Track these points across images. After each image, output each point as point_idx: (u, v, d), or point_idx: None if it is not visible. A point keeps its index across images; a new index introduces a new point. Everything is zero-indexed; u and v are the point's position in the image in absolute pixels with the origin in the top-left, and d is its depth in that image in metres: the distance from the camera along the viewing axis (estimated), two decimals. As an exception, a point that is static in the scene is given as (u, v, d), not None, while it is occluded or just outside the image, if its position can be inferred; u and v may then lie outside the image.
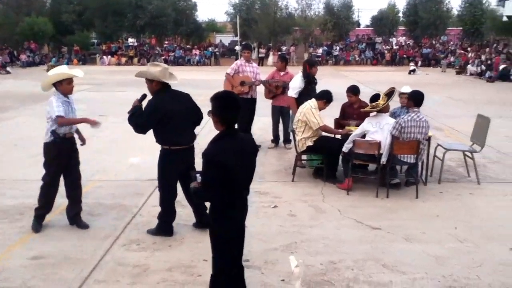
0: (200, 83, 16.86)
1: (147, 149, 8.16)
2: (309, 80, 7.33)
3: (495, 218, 5.18)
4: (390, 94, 6.15)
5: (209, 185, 2.92)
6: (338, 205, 5.52)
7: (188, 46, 38.21)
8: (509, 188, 6.22)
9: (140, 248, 4.39)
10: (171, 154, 4.51)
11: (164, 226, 4.66)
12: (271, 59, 32.12)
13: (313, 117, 6.19)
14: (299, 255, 4.28)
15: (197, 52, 35.20)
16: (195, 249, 4.35)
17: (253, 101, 8.20)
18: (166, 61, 34.03)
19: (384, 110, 6.11)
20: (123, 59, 34.68)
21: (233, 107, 2.94)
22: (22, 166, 7.10)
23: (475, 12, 35.34)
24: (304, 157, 6.85)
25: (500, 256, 4.30)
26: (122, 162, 7.37)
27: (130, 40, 39.85)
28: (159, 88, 4.53)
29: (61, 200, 5.60)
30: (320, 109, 6.33)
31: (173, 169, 4.56)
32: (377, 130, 5.93)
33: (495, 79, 22.19)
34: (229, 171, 2.84)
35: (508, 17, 25.48)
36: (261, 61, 31.73)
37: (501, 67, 23.05)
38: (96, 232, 4.74)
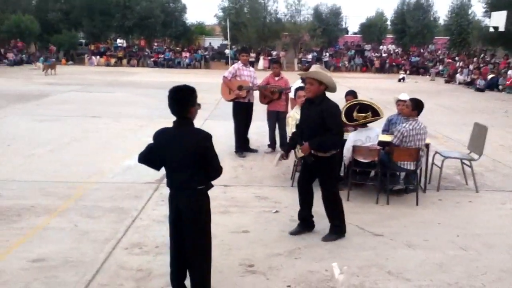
0: (194, 86, 16.56)
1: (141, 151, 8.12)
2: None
3: (495, 227, 5.23)
4: (373, 110, 6.07)
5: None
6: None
7: (178, 48, 38.04)
8: (507, 197, 6.28)
9: (142, 251, 4.32)
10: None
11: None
12: (261, 63, 32.18)
13: (288, 126, 6.19)
14: (303, 260, 4.26)
15: (187, 54, 35.07)
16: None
17: (250, 105, 8.17)
18: (155, 63, 33.89)
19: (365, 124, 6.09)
20: (112, 60, 34.40)
21: (169, 98, 3.25)
22: (15, 166, 6.96)
23: (461, 22, 35.88)
24: None
25: (503, 263, 4.32)
26: (118, 164, 7.26)
27: (119, 41, 39.57)
28: (323, 92, 4.54)
29: (58, 202, 5.52)
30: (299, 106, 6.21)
31: None
32: (368, 144, 5.88)
33: (484, 88, 22.52)
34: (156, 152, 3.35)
35: (494, 28, 25.90)
36: (251, 65, 31.71)
37: (490, 76, 23.41)
38: (96, 235, 4.65)
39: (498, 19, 25.46)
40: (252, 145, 8.44)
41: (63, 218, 5.02)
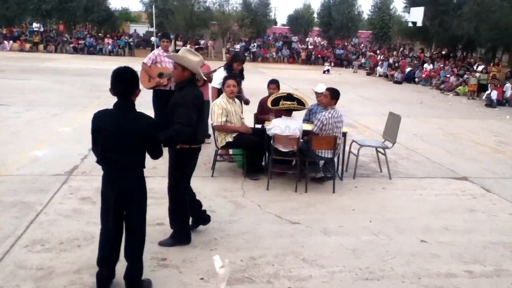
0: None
1: (52, 141, 7.59)
2: (230, 72, 7.17)
3: (406, 211, 5.45)
4: (299, 102, 6.11)
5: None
6: (258, 200, 5.47)
7: (100, 34, 36.30)
8: (418, 183, 6.59)
9: (44, 249, 3.98)
10: (193, 153, 4.25)
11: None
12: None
13: (213, 115, 6.07)
14: (218, 251, 4.14)
15: (110, 41, 33.58)
16: (107, 249, 4.03)
17: (171, 93, 7.85)
18: (75, 49, 32.14)
19: (289, 113, 6.11)
20: (27, 45, 32.08)
21: (115, 79, 3.20)
22: None
23: (383, 17, 37.52)
24: (230, 151, 6.74)
25: (411, 247, 4.50)
26: (25, 156, 6.71)
27: (35, 25, 36.97)
28: (188, 79, 4.06)
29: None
30: (228, 95, 6.13)
31: (192, 167, 4.37)
32: (287, 133, 5.86)
33: (402, 81, 23.70)
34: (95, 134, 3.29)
35: (413, 23, 27.35)
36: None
37: (407, 70, 24.67)
38: (-8, 232, 4.23)
39: (416, 15, 26.89)
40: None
41: (-44, 216, 4.53)
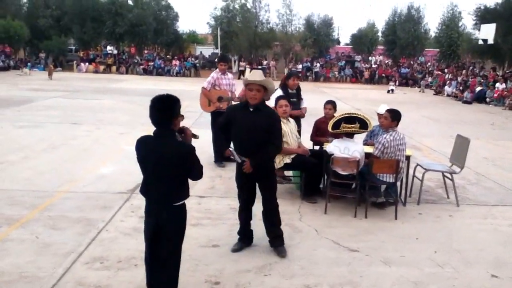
0: (181, 93, 16.39)
1: (117, 159, 7.90)
2: (286, 92, 7.13)
3: (475, 242, 5.06)
4: (361, 122, 5.93)
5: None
6: (315, 225, 5.32)
7: (168, 56, 37.88)
8: (488, 211, 6.14)
9: (103, 266, 4.10)
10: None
11: None
12: (247, 73, 32.15)
13: None
14: (272, 277, 4.06)
15: (177, 62, 34.92)
16: (163, 269, 4.07)
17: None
18: (145, 71, 33.71)
19: (350, 135, 5.92)
20: (101, 67, 34.16)
21: (151, 108, 3.11)
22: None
23: (451, 34, 36.11)
24: (289, 173, 6.67)
25: (480, 282, 4.16)
26: (92, 173, 7.04)
27: (109, 47, 39.32)
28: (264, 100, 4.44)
29: (23, 212, 5.29)
30: (280, 115, 6.07)
31: None
32: (346, 155, 5.71)
33: (472, 100, 22.57)
34: (139, 161, 3.23)
35: (483, 40, 26.10)
36: (242, 74, 31.73)
37: (478, 89, 23.48)
38: (58, 247, 4.42)
39: (487, 32, 25.69)
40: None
41: (25, 230, 4.79)
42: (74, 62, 35.58)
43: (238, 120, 4.34)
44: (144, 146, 3.18)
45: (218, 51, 33.34)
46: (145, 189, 3.25)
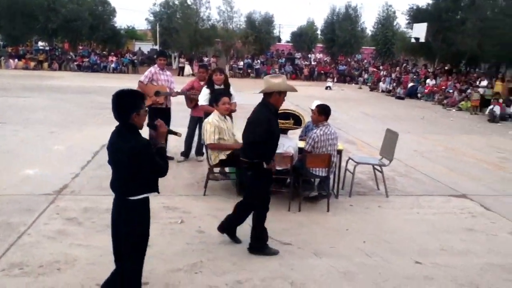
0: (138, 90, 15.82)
1: (45, 160, 7.50)
2: (213, 88, 7.13)
3: (402, 231, 5.27)
4: (297, 119, 6.04)
5: None
6: (249, 220, 5.30)
7: (104, 52, 36.57)
8: (415, 201, 6.42)
9: (22, 272, 3.85)
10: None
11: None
12: (187, 69, 31.87)
13: (206, 133, 5.98)
14: (204, 275, 4.01)
15: (114, 59, 33.81)
16: (88, 273, 3.90)
17: (167, 110, 7.84)
18: (79, 67, 32.38)
19: (284, 131, 5.98)
20: (32, 63, 32.34)
21: (112, 102, 3.06)
22: None
23: (386, 33, 37.52)
24: (227, 169, 6.61)
25: (405, 270, 4.33)
26: (16, 174, 6.62)
27: (41, 43, 37.35)
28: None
29: None
30: (222, 113, 6.10)
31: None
32: (280, 151, 5.73)
33: (404, 96, 23.58)
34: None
35: (416, 38, 27.34)
36: (181, 71, 31.31)
37: (410, 85, 24.57)
38: (-29, 255, 4.11)
39: (419, 31, 26.90)
40: (169, 152, 8.06)
41: None
42: (2, 58, 33.46)
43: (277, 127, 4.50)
44: (110, 139, 3.15)
45: (157, 47, 32.62)
46: (111, 181, 3.19)
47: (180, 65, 32.79)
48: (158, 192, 3.23)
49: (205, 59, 34.92)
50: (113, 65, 33.01)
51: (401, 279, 4.12)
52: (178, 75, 30.09)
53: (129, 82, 22.73)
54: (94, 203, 5.55)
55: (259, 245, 4.50)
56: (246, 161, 4.40)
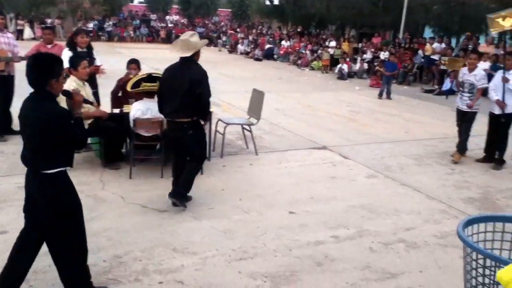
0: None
1: None
2: (76, 51, 6.48)
3: (273, 185, 5.50)
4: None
5: None
6: (121, 192, 5.04)
7: None
8: (282, 156, 6.75)
9: None
10: None
11: None
12: (27, 32, 28.68)
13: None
14: (78, 254, 3.69)
15: None
16: None
17: (10, 78, 6.91)
18: None
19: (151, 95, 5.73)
20: None
21: (27, 66, 2.83)
22: None
23: (242, -4, 38.07)
24: (89, 140, 6.09)
25: (281, 220, 4.54)
26: None
27: None
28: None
29: None
30: (80, 77, 5.61)
31: None
32: (149, 116, 5.53)
33: (262, 57, 24.37)
34: None
35: (270, 1, 28.23)
36: (21, 35, 27.90)
37: (267, 47, 25.42)
38: None
39: (273, -6, 27.80)
40: (16, 125, 7.19)
41: None
42: None
43: None
44: (22, 107, 2.86)
45: (-11, 7, 28.53)
46: (21, 154, 2.94)
47: (19, 27, 29.14)
48: (71, 166, 3.02)
49: (49, 20, 31.54)
50: None
51: (278, 230, 4.32)
52: (17, 39, 26.75)
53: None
54: None
55: (184, 193, 4.66)
56: (186, 121, 4.46)
